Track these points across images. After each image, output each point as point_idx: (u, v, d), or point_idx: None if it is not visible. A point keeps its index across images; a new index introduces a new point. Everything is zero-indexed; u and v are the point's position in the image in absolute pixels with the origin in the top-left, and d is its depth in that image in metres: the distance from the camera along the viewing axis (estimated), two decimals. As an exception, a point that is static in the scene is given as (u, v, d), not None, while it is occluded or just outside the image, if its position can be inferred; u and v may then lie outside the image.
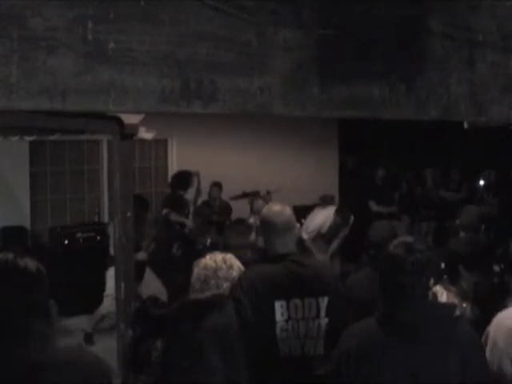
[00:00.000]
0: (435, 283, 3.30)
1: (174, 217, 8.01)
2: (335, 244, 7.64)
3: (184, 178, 8.20)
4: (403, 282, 2.39)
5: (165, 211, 8.03)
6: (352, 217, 7.76)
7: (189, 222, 8.20)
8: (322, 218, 7.70)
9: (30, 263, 1.95)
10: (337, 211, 7.66)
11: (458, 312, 3.10)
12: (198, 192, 8.60)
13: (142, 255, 6.11)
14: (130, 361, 2.84)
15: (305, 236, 7.55)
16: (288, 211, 3.16)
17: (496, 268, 3.69)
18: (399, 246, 2.46)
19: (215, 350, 1.95)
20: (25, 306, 1.89)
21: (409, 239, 2.54)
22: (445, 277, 3.36)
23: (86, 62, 1.78)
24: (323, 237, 7.61)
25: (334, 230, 7.60)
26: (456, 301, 3.19)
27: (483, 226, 5.00)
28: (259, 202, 7.67)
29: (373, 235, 3.79)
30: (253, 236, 7.53)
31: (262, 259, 3.24)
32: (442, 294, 3.25)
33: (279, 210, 3.15)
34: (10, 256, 1.94)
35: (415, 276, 2.39)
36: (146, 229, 7.06)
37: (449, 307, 2.69)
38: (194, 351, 1.94)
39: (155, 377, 2.04)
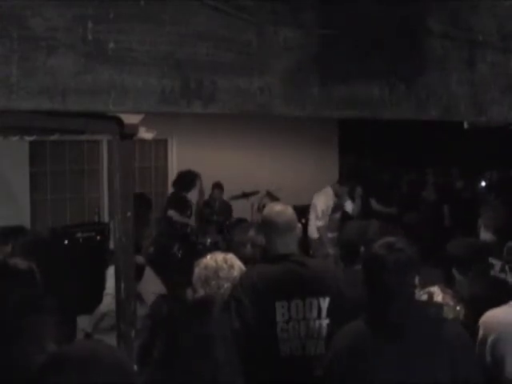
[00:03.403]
0: (433, 284, 3.31)
1: (176, 217, 8.02)
2: (336, 216, 7.90)
3: (188, 179, 8.21)
4: (387, 281, 2.39)
5: (169, 213, 8.03)
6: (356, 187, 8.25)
7: (191, 223, 8.20)
8: (323, 197, 7.92)
9: (21, 262, 1.96)
10: (334, 185, 7.97)
11: (451, 314, 3.10)
12: (201, 193, 8.60)
13: (140, 259, 6.11)
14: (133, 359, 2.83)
15: (319, 223, 7.71)
16: (290, 211, 3.15)
17: (497, 268, 3.67)
18: (382, 246, 2.46)
19: (220, 349, 1.95)
20: (17, 305, 1.90)
21: (391, 239, 2.53)
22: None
23: (86, 62, 1.78)
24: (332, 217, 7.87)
25: (339, 205, 7.94)
26: (451, 303, 3.20)
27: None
28: (266, 202, 7.71)
29: (341, 235, 3.87)
30: (252, 232, 7.54)
31: (262, 258, 3.24)
32: (438, 295, 3.25)
33: (281, 209, 3.14)
34: (0, 256, 1.95)
35: (399, 275, 2.39)
36: (148, 228, 7.05)
37: (436, 307, 2.69)
38: (200, 349, 1.94)
39: (156, 375, 2.04)
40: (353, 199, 8.31)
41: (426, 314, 2.49)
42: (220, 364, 1.94)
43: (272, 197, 7.93)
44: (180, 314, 2.06)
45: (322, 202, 7.87)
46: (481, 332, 2.85)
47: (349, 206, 8.21)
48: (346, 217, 7.90)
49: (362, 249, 3.49)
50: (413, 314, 2.41)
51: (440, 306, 2.79)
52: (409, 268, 2.43)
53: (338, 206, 7.94)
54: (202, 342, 1.95)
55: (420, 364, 2.35)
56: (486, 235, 4.53)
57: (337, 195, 7.89)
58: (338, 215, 7.93)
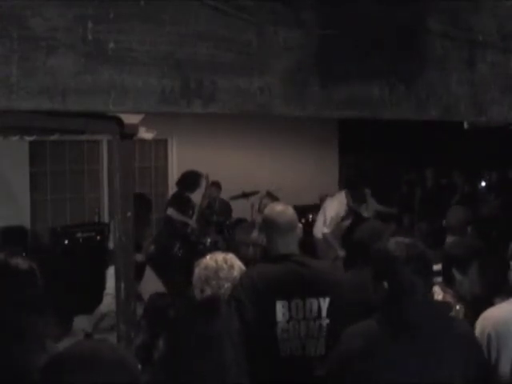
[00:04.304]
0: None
1: (174, 215, 8.01)
2: (345, 224, 7.74)
3: (191, 179, 8.20)
4: (407, 281, 2.40)
5: (168, 211, 8.03)
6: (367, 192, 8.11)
7: (192, 222, 8.19)
8: (336, 203, 7.77)
9: (22, 262, 1.96)
10: (347, 193, 7.79)
11: (452, 313, 3.12)
12: (205, 195, 8.58)
13: (140, 257, 6.12)
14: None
15: (325, 230, 7.62)
16: (291, 211, 3.16)
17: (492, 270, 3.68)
18: (400, 246, 2.48)
19: (228, 348, 1.95)
20: (18, 305, 1.90)
21: (407, 239, 2.55)
22: (440, 279, 3.37)
23: (86, 62, 1.78)
24: (341, 224, 7.73)
25: (349, 211, 7.76)
26: (452, 302, 3.20)
27: (470, 228, 4.89)
28: (267, 202, 7.63)
29: (356, 235, 3.84)
30: (255, 233, 7.52)
31: (263, 258, 3.24)
32: (439, 295, 3.26)
33: (282, 209, 3.15)
34: (1, 256, 1.95)
35: (418, 275, 2.41)
36: (148, 228, 7.04)
37: (446, 306, 2.70)
38: (208, 349, 1.93)
39: (160, 375, 2.03)
40: (364, 202, 8.12)
41: (438, 312, 2.51)
42: (227, 364, 1.94)
43: (272, 197, 7.90)
44: (187, 313, 2.06)
45: (334, 209, 7.69)
46: (478, 328, 2.86)
47: (364, 210, 7.98)
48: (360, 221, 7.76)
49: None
50: (428, 314, 2.42)
51: (449, 304, 2.81)
52: (427, 268, 2.47)
53: (348, 214, 7.79)
54: (210, 341, 1.94)
55: (434, 363, 2.35)
56: (451, 238, 4.51)
57: (348, 205, 7.69)
58: (347, 223, 7.74)
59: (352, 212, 7.77)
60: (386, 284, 2.44)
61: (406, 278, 2.40)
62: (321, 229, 7.73)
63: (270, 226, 3.11)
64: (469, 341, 2.49)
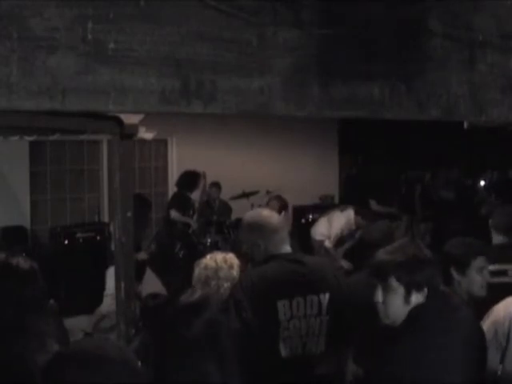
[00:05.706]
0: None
1: (177, 217, 8.01)
2: (348, 244, 7.61)
3: (191, 179, 8.20)
4: (428, 281, 2.48)
5: (171, 213, 8.04)
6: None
7: (193, 223, 8.20)
8: (344, 221, 7.63)
9: (23, 262, 1.96)
10: (357, 213, 7.65)
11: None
12: (203, 193, 8.59)
13: (142, 255, 6.12)
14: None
15: (328, 245, 7.51)
16: (275, 213, 3.30)
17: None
18: (420, 248, 2.56)
19: (208, 353, 1.94)
20: (18, 304, 1.90)
21: (405, 239, 2.61)
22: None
23: (86, 61, 1.78)
24: (342, 240, 7.59)
25: (354, 232, 7.59)
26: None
27: None
28: (274, 203, 7.53)
29: (367, 235, 3.83)
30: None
31: (262, 260, 3.24)
32: None
33: (269, 212, 3.28)
34: (2, 255, 1.96)
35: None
36: (148, 229, 7.04)
37: (452, 299, 2.74)
38: (187, 353, 1.93)
39: (155, 376, 2.03)
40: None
41: (446, 307, 2.55)
42: (220, 364, 1.93)
43: (279, 198, 7.81)
44: (180, 313, 2.06)
45: (340, 226, 7.54)
46: (501, 312, 2.90)
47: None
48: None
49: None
50: (438, 309, 2.47)
51: (452, 295, 2.84)
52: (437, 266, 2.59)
53: (352, 234, 7.63)
54: (203, 342, 1.94)
55: (446, 358, 2.39)
56: (497, 238, 4.46)
57: (357, 226, 7.42)
58: (348, 245, 7.58)
59: (357, 232, 7.57)
60: (426, 290, 2.48)
61: (428, 278, 2.47)
62: (320, 235, 7.60)
63: (263, 227, 3.11)
64: (474, 332, 2.55)
